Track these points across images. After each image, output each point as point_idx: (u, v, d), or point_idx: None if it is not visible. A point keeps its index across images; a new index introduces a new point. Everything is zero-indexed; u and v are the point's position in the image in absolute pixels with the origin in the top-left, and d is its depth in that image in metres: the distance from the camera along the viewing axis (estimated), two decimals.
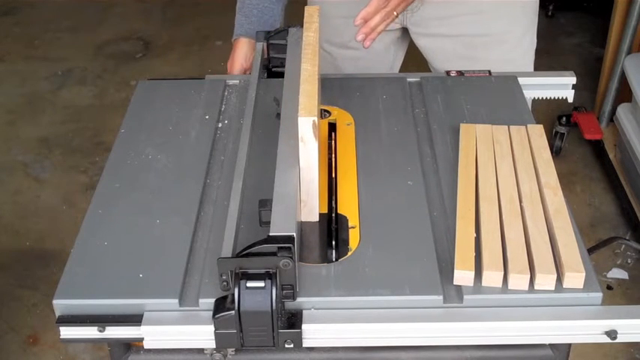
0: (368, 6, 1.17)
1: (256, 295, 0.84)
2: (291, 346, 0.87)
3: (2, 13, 3.78)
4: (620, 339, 0.89)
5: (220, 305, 0.86)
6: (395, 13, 1.21)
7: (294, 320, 0.87)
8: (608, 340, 0.88)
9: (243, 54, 1.41)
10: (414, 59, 1.62)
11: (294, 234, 0.86)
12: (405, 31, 1.52)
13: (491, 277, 0.89)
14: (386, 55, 1.56)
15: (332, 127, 1.19)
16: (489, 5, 1.42)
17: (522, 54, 1.50)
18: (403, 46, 1.58)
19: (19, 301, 2.20)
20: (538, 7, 1.50)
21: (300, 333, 0.87)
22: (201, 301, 0.89)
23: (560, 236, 0.93)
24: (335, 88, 1.27)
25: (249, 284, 0.84)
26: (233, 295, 0.84)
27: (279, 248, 0.84)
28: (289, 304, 0.88)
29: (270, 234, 0.86)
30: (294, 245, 0.85)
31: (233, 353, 0.93)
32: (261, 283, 0.84)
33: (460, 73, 1.33)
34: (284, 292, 0.86)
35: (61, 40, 3.56)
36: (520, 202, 1.00)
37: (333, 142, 1.16)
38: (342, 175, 1.08)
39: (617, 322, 0.88)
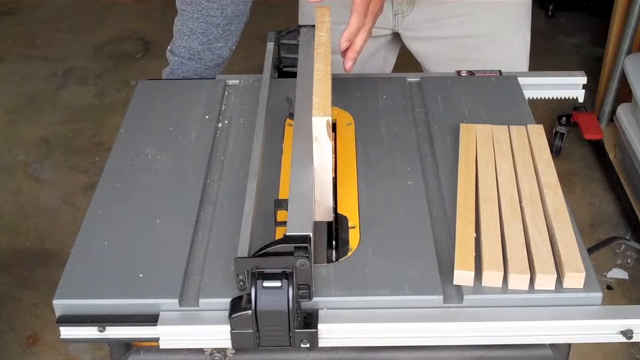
0: (349, 25, 1.12)
1: (273, 295, 0.84)
2: (307, 345, 0.87)
3: (2, 13, 3.78)
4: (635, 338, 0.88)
5: (237, 305, 0.86)
6: (371, 30, 1.17)
7: (309, 320, 0.87)
8: (622, 339, 0.88)
9: None
10: (414, 59, 1.62)
11: (311, 234, 0.86)
12: (395, 36, 1.51)
13: (491, 277, 0.89)
14: (373, 60, 1.54)
15: (332, 127, 1.19)
16: (479, 6, 1.41)
17: (515, 54, 1.49)
18: (393, 51, 1.56)
19: (19, 301, 2.20)
20: (531, 7, 1.49)
21: (316, 333, 0.87)
22: (201, 301, 0.88)
23: (560, 236, 0.93)
24: (335, 88, 1.27)
25: (266, 284, 0.84)
26: (249, 294, 0.84)
27: (296, 248, 0.84)
28: (304, 304, 0.88)
29: (287, 234, 0.86)
30: (310, 245, 0.85)
31: (233, 352, 0.93)
32: (277, 283, 0.84)
33: (471, 73, 1.32)
34: (300, 291, 0.86)
35: (61, 40, 3.56)
36: (520, 202, 1.00)
37: (333, 142, 1.16)
38: (342, 175, 1.08)
39: (632, 322, 0.88)
